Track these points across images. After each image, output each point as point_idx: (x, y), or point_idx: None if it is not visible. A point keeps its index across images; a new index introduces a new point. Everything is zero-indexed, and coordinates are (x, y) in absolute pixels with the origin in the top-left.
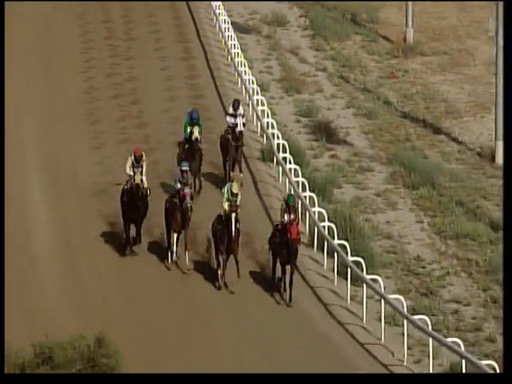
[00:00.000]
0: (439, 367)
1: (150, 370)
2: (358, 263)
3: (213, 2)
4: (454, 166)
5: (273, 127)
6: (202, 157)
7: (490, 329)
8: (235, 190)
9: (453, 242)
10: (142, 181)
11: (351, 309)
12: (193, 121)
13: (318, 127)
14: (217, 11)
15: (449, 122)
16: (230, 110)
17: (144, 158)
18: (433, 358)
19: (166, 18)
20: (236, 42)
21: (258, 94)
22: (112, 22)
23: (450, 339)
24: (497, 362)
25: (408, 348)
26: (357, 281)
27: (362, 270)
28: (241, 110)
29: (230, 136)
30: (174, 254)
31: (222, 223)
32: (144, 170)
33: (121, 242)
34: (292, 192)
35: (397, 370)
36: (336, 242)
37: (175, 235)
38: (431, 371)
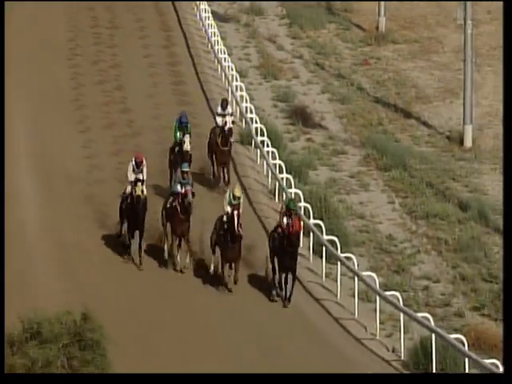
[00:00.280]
0: (410, 341)
1: (134, 346)
2: (332, 242)
3: None
4: (424, 149)
5: (251, 112)
6: (191, 160)
7: (459, 304)
8: (237, 193)
9: (423, 222)
10: (142, 192)
11: (326, 285)
12: (182, 125)
13: (295, 112)
14: (197, 1)
15: (419, 107)
16: (219, 110)
17: (144, 163)
18: (404, 333)
19: (149, 7)
20: (216, 31)
21: (237, 80)
22: (96, 10)
23: (420, 314)
24: (465, 336)
25: (380, 323)
26: (331, 259)
27: (337, 249)
28: (229, 110)
29: (219, 140)
30: (176, 259)
31: (223, 227)
32: (145, 176)
33: (108, 228)
34: (293, 197)
35: (369, 344)
36: (311, 221)
37: (177, 239)
38: (402, 345)
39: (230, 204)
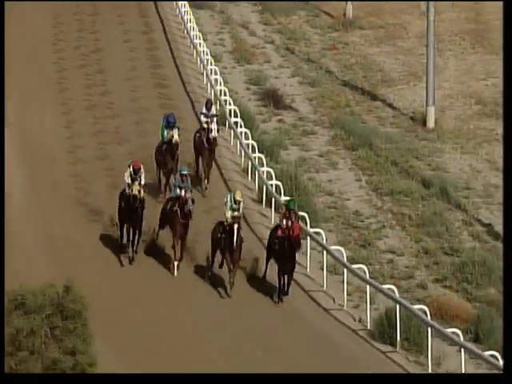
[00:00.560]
0: (376, 311)
1: (114, 317)
2: (302, 218)
3: None
4: (389, 129)
5: (225, 94)
6: (178, 158)
7: (422, 276)
8: (238, 197)
9: (388, 198)
10: (139, 191)
11: (296, 259)
12: (169, 124)
13: (267, 94)
14: None
15: (384, 90)
16: (203, 110)
17: (142, 170)
18: (370, 303)
19: None
20: (192, 17)
21: (211, 64)
22: None
23: (385, 286)
24: (428, 307)
25: (348, 294)
26: (301, 233)
27: (306, 224)
28: (213, 110)
29: (204, 138)
30: (176, 261)
31: (225, 232)
32: (142, 181)
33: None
34: (293, 198)
35: (337, 315)
36: (282, 198)
37: (179, 242)
38: (368, 315)
39: (231, 209)
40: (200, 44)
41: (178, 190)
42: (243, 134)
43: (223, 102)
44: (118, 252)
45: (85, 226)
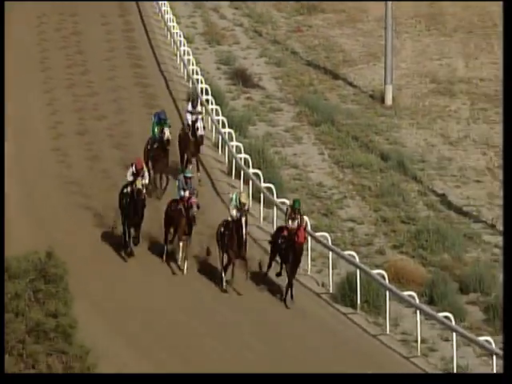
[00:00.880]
0: (337, 276)
1: (93, 280)
2: (269, 189)
3: None
4: (350, 106)
5: (197, 74)
6: (168, 155)
7: (380, 243)
8: (244, 199)
9: (349, 171)
10: (142, 186)
11: (264, 227)
12: (161, 121)
13: (236, 74)
14: None
15: (345, 69)
16: (189, 107)
17: (145, 169)
18: (332, 269)
19: None
20: (165, 1)
21: (184, 45)
22: None
23: (346, 252)
24: (386, 271)
25: (311, 260)
26: (268, 204)
27: (273, 195)
28: (199, 108)
29: (189, 132)
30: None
31: (229, 228)
32: (146, 180)
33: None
34: (297, 199)
35: (302, 279)
36: (251, 170)
37: (181, 243)
38: (331, 280)
39: (237, 208)
40: (173, 27)
41: (182, 192)
42: (214, 111)
43: (195, 81)
44: (95, 219)
45: (65, 197)
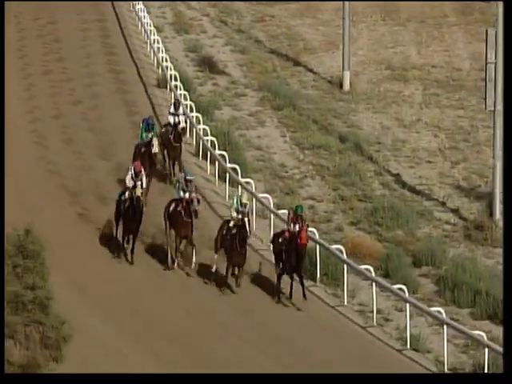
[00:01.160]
0: None
1: (68, 253)
2: (234, 169)
3: None
4: (310, 91)
5: (166, 61)
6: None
7: (338, 220)
8: (245, 199)
9: (309, 152)
10: (142, 194)
11: (229, 205)
12: (149, 126)
13: (203, 61)
14: None
15: (306, 57)
16: (171, 110)
17: (143, 173)
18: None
19: None
20: None
21: (154, 34)
22: None
23: None
24: (344, 246)
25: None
26: (234, 183)
27: (238, 175)
28: (181, 110)
29: (171, 136)
30: (177, 259)
31: (230, 231)
32: (144, 184)
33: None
34: (300, 204)
35: (265, 254)
36: (217, 152)
37: (180, 242)
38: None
39: (237, 210)
40: (144, 16)
41: (182, 193)
42: (182, 96)
43: (164, 68)
44: (70, 197)
45: (41, 177)
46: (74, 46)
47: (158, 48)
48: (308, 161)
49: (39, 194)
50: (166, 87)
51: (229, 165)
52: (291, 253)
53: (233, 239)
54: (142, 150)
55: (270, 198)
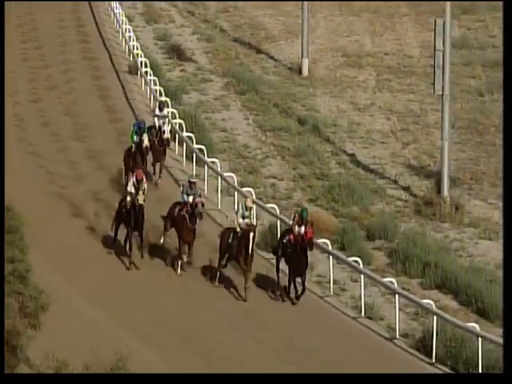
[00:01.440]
0: (261, 226)
1: (45, 228)
2: (201, 150)
3: None
4: (272, 77)
5: (137, 48)
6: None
7: (298, 197)
8: (250, 204)
9: (270, 134)
10: (144, 201)
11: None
12: (140, 130)
13: (171, 49)
14: None
15: (268, 45)
16: (156, 111)
17: (145, 180)
18: (256, 219)
19: None
20: None
21: (126, 23)
22: None
23: (268, 205)
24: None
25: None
26: (200, 163)
27: (204, 155)
28: (165, 112)
29: (155, 138)
30: (184, 261)
31: (238, 238)
32: (145, 191)
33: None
34: (305, 207)
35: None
36: (184, 134)
37: (186, 246)
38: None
39: (242, 216)
40: (116, 7)
41: (186, 197)
42: (152, 81)
43: (135, 55)
44: (48, 176)
45: (22, 157)
46: (50, 35)
47: (130, 37)
48: (269, 142)
49: (20, 173)
50: (137, 73)
51: (195, 146)
52: (297, 252)
53: (239, 247)
54: (134, 151)
55: (235, 177)
